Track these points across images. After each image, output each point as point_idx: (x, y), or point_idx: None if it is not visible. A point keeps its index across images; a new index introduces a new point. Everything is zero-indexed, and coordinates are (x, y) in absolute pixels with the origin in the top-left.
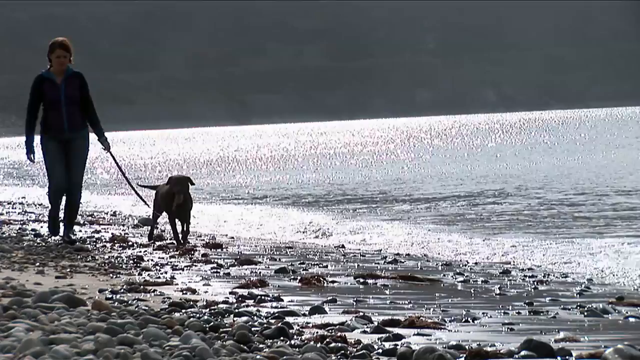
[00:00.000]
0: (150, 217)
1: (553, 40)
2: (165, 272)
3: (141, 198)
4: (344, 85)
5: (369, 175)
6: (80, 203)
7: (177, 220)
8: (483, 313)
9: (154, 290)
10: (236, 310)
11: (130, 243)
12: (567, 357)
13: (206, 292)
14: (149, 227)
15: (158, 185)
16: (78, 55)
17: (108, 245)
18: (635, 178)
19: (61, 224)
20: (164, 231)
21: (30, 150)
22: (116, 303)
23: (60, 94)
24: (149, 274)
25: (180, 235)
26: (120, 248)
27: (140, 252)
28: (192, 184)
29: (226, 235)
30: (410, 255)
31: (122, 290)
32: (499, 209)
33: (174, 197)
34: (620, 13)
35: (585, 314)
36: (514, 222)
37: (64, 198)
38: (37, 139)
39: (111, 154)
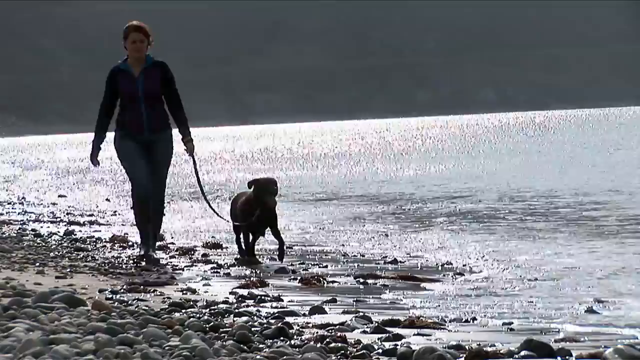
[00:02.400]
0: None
1: (553, 40)
2: (165, 272)
3: (216, 212)
4: (344, 85)
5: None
6: (163, 215)
7: (256, 234)
8: (483, 313)
9: (154, 290)
10: (236, 310)
11: (130, 243)
12: (567, 357)
13: (206, 292)
14: (238, 245)
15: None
16: (78, 55)
17: (108, 245)
18: None
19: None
20: (164, 231)
21: (95, 152)
22: (116, 303)
23: (138, 88)
24: (148, 274)
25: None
26: (120, 248)
27: (140, 252)
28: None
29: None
30: (410, 255)
31: (122, 290)
32: (507, 210)
33: (260, 204)
34: (620, 13)
35: (585, 314)
36: (518, 223)
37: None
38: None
39: (193, 159)
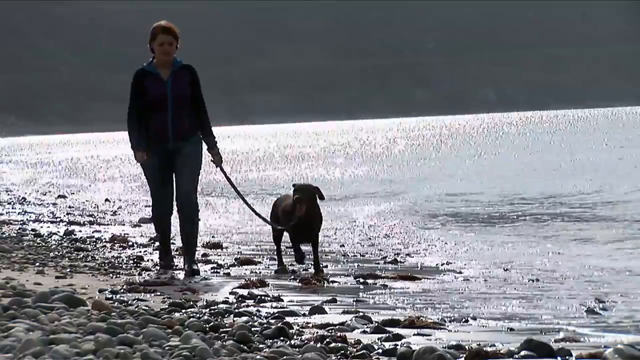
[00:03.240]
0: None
1: (553, 40)
2: (165, 272)
3: (259, 215)
4: (344, 85)
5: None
6: (198, 221)
7: (299, 241)
8: (483, 313)
9: (154, 290)
10: (236, 310)
11: (130, 243)
12: (567, 357)
13: (206, 292)
14: (277, 254)
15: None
16: (78, 55)
17: (108, 245)
18: None
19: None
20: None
21: (139, 151)
22: (116, 303)
23: (167, 91)
24: (149, 274)
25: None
26: (120, 248)
27: (140, 252)
28: (322, 197)
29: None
30: (411, 255)
31: (122, 290)
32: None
33: (295, 209)
34: (620, 13)
35: (585, 314)
36: (517, 221)
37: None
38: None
39: (222, 170)
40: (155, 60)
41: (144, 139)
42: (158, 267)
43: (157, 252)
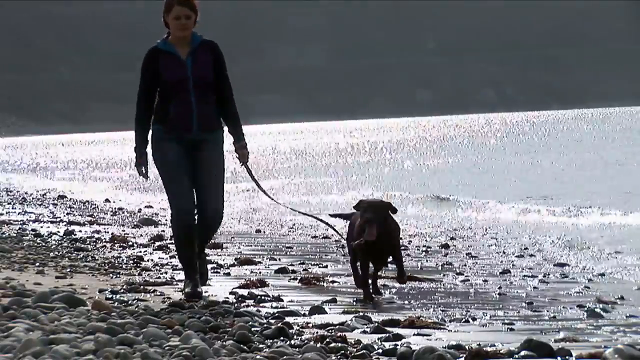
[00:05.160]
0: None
1: (553, 40)
2: (165, 272)
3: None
4: (344, 85)
5: None
6: (214, 233)
7: (369, 262)
8: (483, 313)
9: (154, 290)
10: (236, 310)
11: (130, 243)
12: (567, 357)
13: (206, 292)
14: (354, 276)
15: (352, 213)
16: (78, 55)
17: (108, 245)
18: None
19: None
20: (164, 231)
21: (141, 160)
22: (116, 303)
23: (187, 73)
24: (149, 274)
25: (370, 288)
26: (120, 248)
27: (140, 252)
28: (394, 210)
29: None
30: (411, 255)
31: (122, 290)
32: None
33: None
34: (620, 13)
35: (585, 314)
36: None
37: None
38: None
39: (247, 168)
40: (172, 36)
41: (160, 125)
42: (184, 297)
43: (184, 276)
